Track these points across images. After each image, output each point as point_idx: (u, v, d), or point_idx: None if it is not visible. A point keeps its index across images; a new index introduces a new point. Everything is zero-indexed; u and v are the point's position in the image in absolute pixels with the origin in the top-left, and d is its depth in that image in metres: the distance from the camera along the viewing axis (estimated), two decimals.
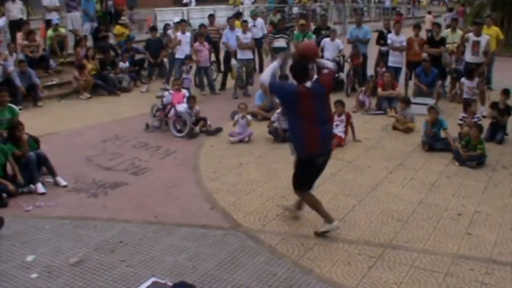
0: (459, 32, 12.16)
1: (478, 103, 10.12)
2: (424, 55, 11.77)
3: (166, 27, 15.14)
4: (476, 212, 6.02)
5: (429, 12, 27.73)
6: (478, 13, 20.50)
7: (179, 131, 9.13)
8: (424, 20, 25.97)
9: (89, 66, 12.60)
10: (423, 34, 12.76)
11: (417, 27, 12.22)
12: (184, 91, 9.99)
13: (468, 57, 11.19)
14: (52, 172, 6.93)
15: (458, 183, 6.95)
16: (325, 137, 5.19)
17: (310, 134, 5.03)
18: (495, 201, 6.34)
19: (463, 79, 10.58)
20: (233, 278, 4.61)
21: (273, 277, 4.62)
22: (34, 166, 6.72)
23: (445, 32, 12.37)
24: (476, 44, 11.06)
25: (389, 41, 12.03)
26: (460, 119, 8.72)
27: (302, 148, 5.15)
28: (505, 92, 9.08)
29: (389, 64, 11.81)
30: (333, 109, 8.93)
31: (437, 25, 12.38)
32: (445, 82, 12.18)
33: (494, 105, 8.97)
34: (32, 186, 6.63)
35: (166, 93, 9.63)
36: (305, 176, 5.30)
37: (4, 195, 6.32)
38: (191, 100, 9.43)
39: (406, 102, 9.72)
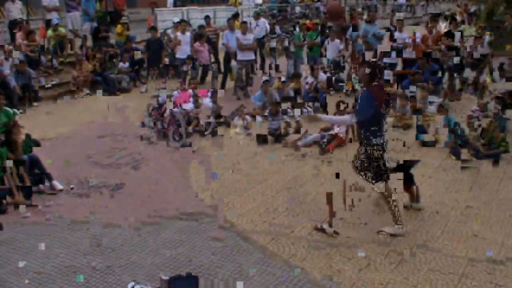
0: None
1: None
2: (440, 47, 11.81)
3: (165, 32, 15.12)
4: (480, 210, 5.93)
5: (458, 6, 27.86)
6: (492, 10, 20.37)
7: (179, 140, 9.05)
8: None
9: (89, 65, 12.55)
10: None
11: (433, 20, 12.25)
12: (190, 91, 10.05)
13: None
14: (44, 174, 6.78)
15: (461, 180, 6.87)
16: None
17: None
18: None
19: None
20: (228, 276, 4.62)
21: (267, 276, 4.61)
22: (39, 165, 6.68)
23: (463, 26, 12.46)
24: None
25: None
26: (472, 111, 8.67)
27: None
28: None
29: (385, 61, 11.82)
30: (334, 109, 8.97)
31: (453, 19, 12.47)
32: (443, 78, 12.14)
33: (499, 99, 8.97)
34: (41, 186, 6.59)
35: (175, 92, 9.77)
36: None
37: (4, 201, 6.19)
38: (214, 94, 9.62)
39: (406, 98, 9.74)
